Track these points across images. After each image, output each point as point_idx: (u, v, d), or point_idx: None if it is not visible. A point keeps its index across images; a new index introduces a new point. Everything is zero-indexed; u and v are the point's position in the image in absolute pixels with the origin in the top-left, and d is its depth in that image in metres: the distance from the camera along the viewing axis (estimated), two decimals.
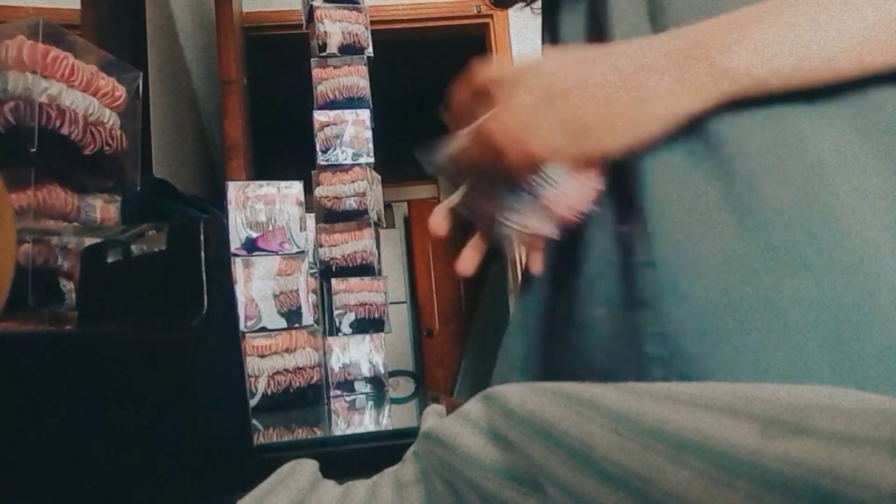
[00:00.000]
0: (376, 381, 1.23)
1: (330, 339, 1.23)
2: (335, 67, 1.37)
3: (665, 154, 0.39)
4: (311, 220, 1.30)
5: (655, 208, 0.39)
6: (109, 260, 0.51)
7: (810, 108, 0.36)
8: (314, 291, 1.19)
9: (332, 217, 1.32)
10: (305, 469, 0.33)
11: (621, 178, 0.41)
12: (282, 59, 2.34)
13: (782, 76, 0.34)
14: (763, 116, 0.37)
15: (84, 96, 0.63)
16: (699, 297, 0.35)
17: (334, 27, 1.38)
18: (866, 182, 0.34)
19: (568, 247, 0.45)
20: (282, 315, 1.09)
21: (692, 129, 0.38)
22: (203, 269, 0.42)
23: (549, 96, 0.37)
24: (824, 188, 0.34)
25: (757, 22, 0.35)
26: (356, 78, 1.37)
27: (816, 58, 0.34)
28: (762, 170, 0.36)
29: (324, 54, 1.36)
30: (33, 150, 0.57)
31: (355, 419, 0.89)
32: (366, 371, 1.23)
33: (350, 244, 1.31)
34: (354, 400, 1.15)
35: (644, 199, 0.40)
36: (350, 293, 1.27)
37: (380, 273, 1.33)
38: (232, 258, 1.08)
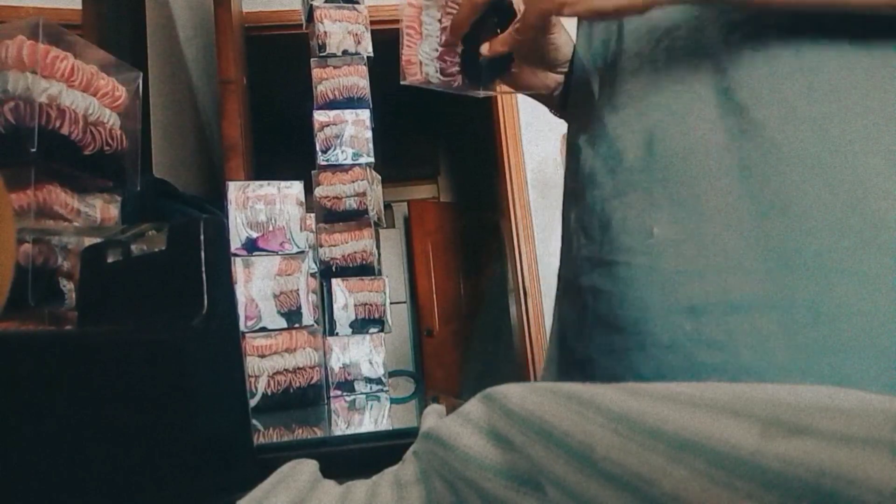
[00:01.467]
0: (376, 381, 1.23)
1: (330, 339, 1.23)
2: (335, 67, 1.37)
3: (707, 157, 0.39)
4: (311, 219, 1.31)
5: (697, 210, 0.39)
6: (109, 260, 0.51)
7: (855, 99, 0.36)
8: (314, 291, 1.19)
9: (332, 217, 1.31)
10: (305, 469, 0.33)
11: (662, 182, 0.41)
12: (282, 59, 2.34)
13: None
14: (811, 114, 0.37)
15: (84, 96, 0.63)
16: (751, 306, 0.35)
17: (334, 27, 1.38)
18: None
19: (600, 250, 0.45)
20: (282, 315, 1.09)
21: (742, 129, 0.38)
22: (203, 269, 0.42)
23: None
24: (874, 192, 0.34)
25: None
26: (356, 78, 1.37)
27: None
28: (809, 173, 0.36)
29: (324, 54, 1.36)
30: (33, 150, 0.57)
31: (355, 419, 0.89)
32: (366, 371, 1.23)
33: (350, 244, 1.31)
34: (354, 400, 1.15)
35: (681, 200, 0.40)
36: (350, 293, 1.27)
37: (380, 273, 1.33)
38: (232, 258, 1.08)
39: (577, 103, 0.54)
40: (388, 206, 4.35)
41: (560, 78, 0.58)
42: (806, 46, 0.38)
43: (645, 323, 0.39)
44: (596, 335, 0.44)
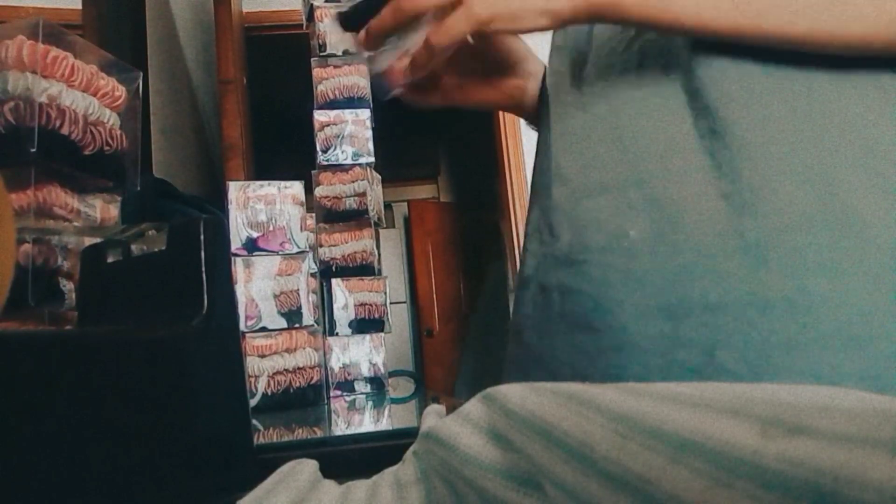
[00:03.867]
0: (376, 381, 1.23)
1: (330, 339, 1.23)
2: (335, 67, 1.37)
3: (681, 157, 0.39)
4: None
5: (672, 210, 0.39)
6: (109, 260, 0.51)
7: (826, 96, 0.37)
8: (314, 291, 1.19)
9: (332, 217, 1.31)
10: (305, 469, 0.33)
11: (637, 183, 0.41)
12: (282, 59, 2.33)
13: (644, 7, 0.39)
14: (782, 113, 0.37)
15: (84, 96, 0.63)
16: (729, 305, 0.35)
17: (335, 26, 1.38)
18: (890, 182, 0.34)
19: (569, 248, 0.45)
20: (282, 315, 1.09)
21: (712, 129, 0.38)
22: (203, 269, 0.42)
23: None
24: (847, 187, 0.35)
25: None
26: (356, 77, 1.37)
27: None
28: (781, 170, 0.36)
29: (324, 54, 1.36)
30: (33, 150, 0.57)
31: (355, 419, 0.89)
32: (366, 371, 1.23)
33: (350, 244, 1.31)
34: (354, 400, 1.15)
35: (657, 200, 0.40)
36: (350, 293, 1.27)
37: (380, 273, 1.33)
38: (232, 258, 1.08)
39: (546, 102, 0.53)
40: (388, 206, 4.35)
41: (522, 83, 0.55)
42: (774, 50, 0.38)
43: (621, 324, 0.39)
44: (562, 334, 0.44)
